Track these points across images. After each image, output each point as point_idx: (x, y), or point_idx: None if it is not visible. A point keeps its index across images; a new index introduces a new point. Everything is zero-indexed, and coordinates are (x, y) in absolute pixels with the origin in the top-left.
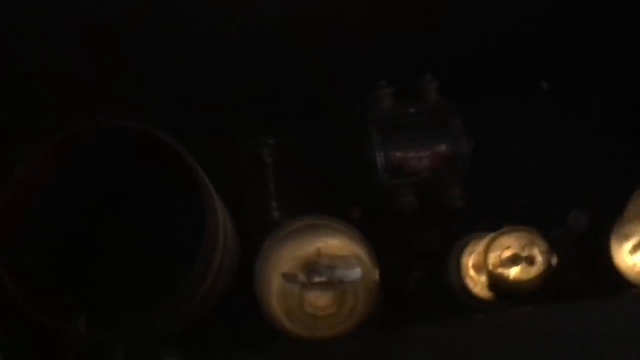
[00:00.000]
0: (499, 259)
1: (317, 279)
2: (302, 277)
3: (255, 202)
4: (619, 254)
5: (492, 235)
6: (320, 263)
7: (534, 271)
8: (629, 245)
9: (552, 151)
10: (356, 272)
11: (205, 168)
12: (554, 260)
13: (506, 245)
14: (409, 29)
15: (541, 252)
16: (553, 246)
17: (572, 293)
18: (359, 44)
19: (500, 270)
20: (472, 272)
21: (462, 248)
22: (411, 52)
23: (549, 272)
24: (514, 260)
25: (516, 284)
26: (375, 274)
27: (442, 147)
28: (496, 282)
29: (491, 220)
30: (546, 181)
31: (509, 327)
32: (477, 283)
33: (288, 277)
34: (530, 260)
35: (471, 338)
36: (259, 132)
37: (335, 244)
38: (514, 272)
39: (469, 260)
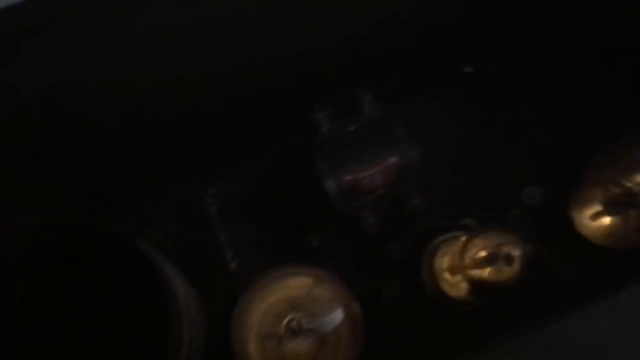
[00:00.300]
0: (476, 260)
1: (296, 333)
2: (280, 333)
3: (210, 258)
4: (580, 220)
5: (466, 236)
6: (297, 316)
7: (512, 270)
8: (590, 211)
9: (494, 133)
10: (336, 316)
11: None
12: (530, 257)
13: (481, 245)
14: (333, 43)
15: (517, 249)
16: (526, 240)
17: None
18: (288, 66)
19: (478, 271)
20: (447, 275)
21: (433, 252)
22: (343, 65)
23: (527, 269)
24: (491, 260)
25: (495, 284)
26: (356, 309)
27: (392, 159)
28: (475, 283)
29: (451, 218)
30: (495, 165)
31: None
32: (452, 285)
33: (267, 338)
34: (508, 259)
35: None
36: (198, 183)
37: (309, 291)
38: (492, 272)
39: (443, 263)
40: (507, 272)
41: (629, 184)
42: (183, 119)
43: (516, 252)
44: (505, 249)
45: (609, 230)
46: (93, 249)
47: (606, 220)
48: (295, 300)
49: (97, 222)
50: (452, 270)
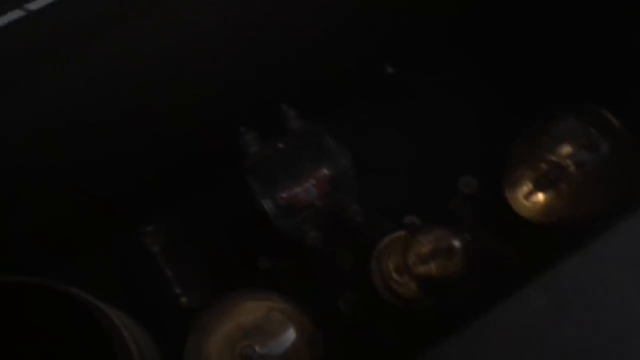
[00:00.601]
0: (418, 257)
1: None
2: None
3: (159, 297)
4: (516, 201)
5: (406, 235)
6: (251, 344)
7: (455, 261)
8: (522, 190)
9: (423, 129)
10: (288, 336)
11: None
12: (471, 246)
13: (423, 242)
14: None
15: (457, 240)
16: (467, 229)
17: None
18: (214, 95)
19: (423, 267)
20: (395, 276)
21: (381, 255)
22: (265, 85)
23: (468, 258)
24: (432, 254)
25: (442, 277)
26: (309, 325)
27: (324, 170)
28: (421, 279)
29: (394, 219)
30: (429, 160)
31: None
32: (402, 285)
33: None
34: (449, 251)
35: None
36: (136, 223)
37: (259, 315)
38: (436, 266)
39: (390, 265)
40: (451, 264)
41: (555, 159)
42: (111, 160)
43: (457, 243)
44: (446, 242)
45: (544, 207)
46: (30, 307)
47: (540, 197)
48: (246, 326)
49: (29, 281)
50: (399, 270)
